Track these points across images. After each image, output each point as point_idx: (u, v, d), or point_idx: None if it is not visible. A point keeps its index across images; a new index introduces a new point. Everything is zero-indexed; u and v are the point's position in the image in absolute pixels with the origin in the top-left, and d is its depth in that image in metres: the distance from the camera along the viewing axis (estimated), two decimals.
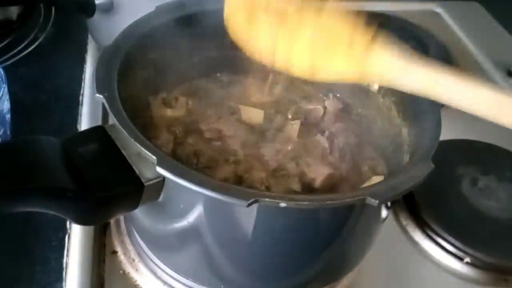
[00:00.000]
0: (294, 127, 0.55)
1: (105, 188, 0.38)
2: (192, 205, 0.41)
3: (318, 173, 0.48)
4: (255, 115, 0.55)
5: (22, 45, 0.74)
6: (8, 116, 0.60)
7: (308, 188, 0.48)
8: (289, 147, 0.52)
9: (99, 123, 0.65)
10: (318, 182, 0.48)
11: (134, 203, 0.41)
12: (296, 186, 0.48)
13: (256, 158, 0.50)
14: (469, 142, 0.71)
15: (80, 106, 0.69)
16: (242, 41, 0.46)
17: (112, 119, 0.41)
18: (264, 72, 0.60)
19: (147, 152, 0.38)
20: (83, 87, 0.72)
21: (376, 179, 0.50)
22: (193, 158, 0.49)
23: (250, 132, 0.53)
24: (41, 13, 0.81)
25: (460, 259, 0.58)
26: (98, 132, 0.42)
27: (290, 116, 0.56)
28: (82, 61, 0.76)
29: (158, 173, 0.38)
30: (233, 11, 0.45)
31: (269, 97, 0.59)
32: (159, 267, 0.51)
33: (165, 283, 0.51)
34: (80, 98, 0.70)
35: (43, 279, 0.51)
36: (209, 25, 0.55)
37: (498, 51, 0.92)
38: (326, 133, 0.55)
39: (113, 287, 0.52)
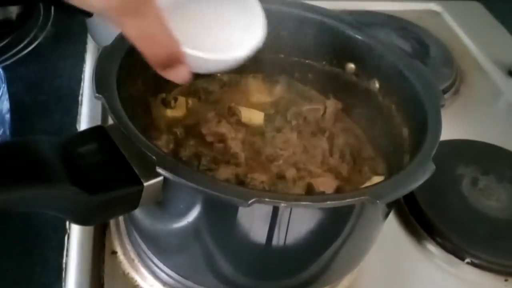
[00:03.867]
0: (294, 128, 0.55)
1: (104, 188, 0.38)
2: (192, 205, 0.41)
3: (327, 186, 0.48)
4: (255, 117, 0.55)
5: (22, 45, 0.74)
6: (7, 116, 0.60)
7: None
8: (291, 150, 0.52)
9: (99, 123, 0.65)
10: None
11: (134, 203, 0.40)
12: (299, 191, 0.48)
13: (257, 162, 0.50)
14: (469, 142, 0.71)
15: (79, 106, 0.69)
16: None
17: (111, 119, 0.41)
18: (264, 72, 0.60)
19: (147, 152, 0.38)
20: (83, 87, 0.72)
21: (377, 179, 0.50)
22: (194, 160, 0.49)
23: (251, 134, 0.53)
24: (41, 13, 0.81)
25: (461, 259, 0.58)
26: (98, 132, 0.42)
27: (290, 117, 0.56)
28: (82, 60, 0.76)
29: (158, 173, 0.38)
30: None
31: (269, 97, 0.59)
32: (159, 268, 0.51)
33: (165, 283, 0.51)
34: (80, 98, 0.70)
35: (42, 279, 0.51)
36: None
37: (499, 51, 0.92)
38: (327, 133, 0.54)
39: (112, 287, 0.51)
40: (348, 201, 0.39)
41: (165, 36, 0.37)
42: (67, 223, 0.55)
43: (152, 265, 0.51)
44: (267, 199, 0.37)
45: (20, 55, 0.73)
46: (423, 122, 0.46)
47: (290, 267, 0.46)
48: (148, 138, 0.40)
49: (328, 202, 0.39)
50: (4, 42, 0.74)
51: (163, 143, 0.49)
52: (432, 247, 0.59)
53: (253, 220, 0.41)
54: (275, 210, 0.39)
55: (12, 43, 0.74)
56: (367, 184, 0.49)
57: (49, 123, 0.66)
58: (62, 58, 0.76)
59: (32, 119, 0.66)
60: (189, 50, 0.40)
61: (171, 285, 0.51)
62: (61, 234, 0.54)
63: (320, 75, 0.59)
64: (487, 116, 0.80)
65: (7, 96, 0.59)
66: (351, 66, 0.57)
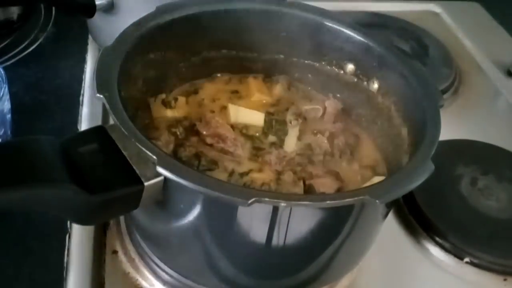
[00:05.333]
0: (294, 128, 0.55)
1: (105, 188, 0.38)
2: (193, 205, 0.41)
3: (327, 187, 0.49)
4: (255, 118, 0.55)
5: (23, 45, 0.74)
6: (8, 116, 0.60)
7: None
8: (291, 150, 0.52)
9: (99, 123, 0.66)
10: None
11: (135, 203, 0.41)
12: (299, 192, 0.48)
13: (258, 162, 0.50)
14: (469, 142, 0.71)
15: (80, 106, 0.69)
16: None
17: (112, 119, 0.41)
18: (265, 72, 0.61)
19: (147, 152, 0.38)
20: (84, 87, 0.72)
21: (376, 179, 0.50)
22: (194, 160, 0.49)
23: (251, 135, 0.53)
24: (42, 13, 0.81)
25: (460, 258, 0.58)
26: (99, 132, 0.42)
27: (290, 117, 0.56)
28: (83, 61, 0.76)
29: (158, 173, 0.38)
30: None
31: (269, 97, 0.59)
32: (159, 267, 0.51)
33: (165, 283, 0.51)
34: (81, 98, 0.70)
35: (43, 279, 0.51)
36: (209, 25, 0.55)
37: (498, 51, 0.92)
38: (327, 133, 0.55)
39: (113, 287, 0.52)
40: (347, 201, 0.39)
41: None
42: (68, 223, 0.55)
43: (153, 264, 0.51)
44: (267, 199, 0.37)
45: (21, 55, 0.73)
46: (422, 122, 0.47)
47: (290, 267, 0.46)
48: (148, 138, 0.40)
49: (328, 202, 0.39)
50: (5, 43, 0.74)
51: (163, 143, 0.49)
52: (431, 247, 0.60)
53: (253, 220, 0.41)
54: (275, 210, 0.40)
55: (13, 43, 0.74)
56: (367, 184, 0.50)
57: (50, 123, 0.66)
58: (63, 58, 0.76)
59: (33, 119, 0.66)
60: None
61: (171, 285, 0.51)
62: (62, 234, 0.54)
63: (320, 75, 0.59)
64: (486, 116, 0.80)
65: (8, 96, 0.59)
66: (351, 66, 0.57)
